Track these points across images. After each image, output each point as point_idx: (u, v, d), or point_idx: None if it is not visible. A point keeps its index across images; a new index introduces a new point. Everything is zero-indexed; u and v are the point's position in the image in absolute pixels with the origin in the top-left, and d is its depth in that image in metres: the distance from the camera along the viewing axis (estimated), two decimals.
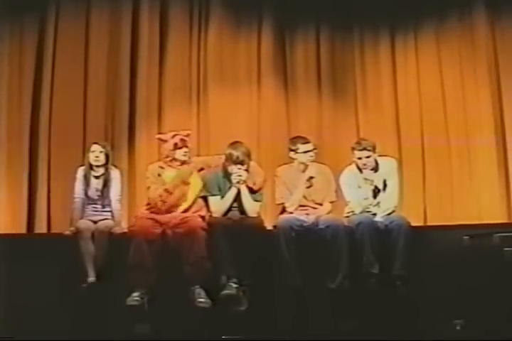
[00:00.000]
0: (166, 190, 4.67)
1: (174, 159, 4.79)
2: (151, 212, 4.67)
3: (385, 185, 4.89)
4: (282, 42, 6.51)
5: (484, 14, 6.37)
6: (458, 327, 4.44)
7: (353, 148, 4.89)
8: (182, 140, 4.78)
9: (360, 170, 4.91)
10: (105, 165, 4.94)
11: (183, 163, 4.81)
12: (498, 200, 6.07)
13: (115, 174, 4.97)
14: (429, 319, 4.51)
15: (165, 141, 4.82)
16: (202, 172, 4.91)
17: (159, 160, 5.01)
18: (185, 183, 4.74)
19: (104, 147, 4.97)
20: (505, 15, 6.34)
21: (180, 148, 4.76)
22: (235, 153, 4.73)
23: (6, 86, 5.94)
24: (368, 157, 4.84)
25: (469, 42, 6.40)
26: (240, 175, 4.70)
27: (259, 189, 4.84)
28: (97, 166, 4.93)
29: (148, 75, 6.23)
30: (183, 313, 4.45)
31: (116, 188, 4.93)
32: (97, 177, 4.93)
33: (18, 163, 5.85)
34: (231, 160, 4.74)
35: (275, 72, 6.41)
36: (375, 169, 4.91)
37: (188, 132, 4.92)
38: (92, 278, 4.48)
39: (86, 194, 4.87)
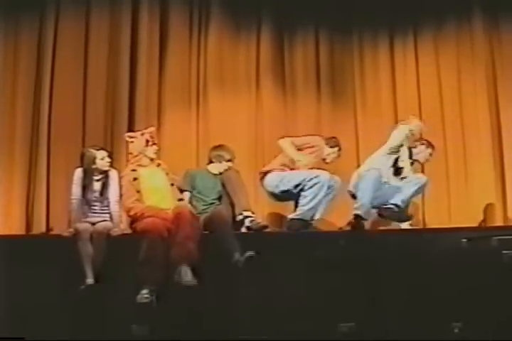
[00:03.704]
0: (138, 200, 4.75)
1: (145, 156, 4.92)
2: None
3: None
4: (281, 45, 6.52)
5: (482, 19, 6.40)
6: (456, 330, 4.46)
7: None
8: (151, 137, 4.95)
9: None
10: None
11: (152, 160, 4.95)
12: (494, 204, 6.07)
13: (113, 175, 4.95)
14: (427, 321, 4.51)
15: (135, 138, 4.95)
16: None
17: (127, 162, 5.08)
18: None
19: (108, 152, 5.02)
20: (503, 21, 6.39)
21: (152, 145, 4.93)
22: (227, 156, 5.26)
23: (5, 86, 5.94)
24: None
25: (467, 46, 6.44)
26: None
27: None
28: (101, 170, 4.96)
29: (147, 79, 6.23)
30: (182, 312, 4.48)
31: (115, 189, 4.90)
32: (97, 180, 4.93)
33: (18, 163, 5.85)
34: (224, 161, 5.25)
35: (274, 75, 6.43)
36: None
37: (152, 129, 5.06)
38: (90, 280, 4.47)
39: (84, 195, 4.86)
